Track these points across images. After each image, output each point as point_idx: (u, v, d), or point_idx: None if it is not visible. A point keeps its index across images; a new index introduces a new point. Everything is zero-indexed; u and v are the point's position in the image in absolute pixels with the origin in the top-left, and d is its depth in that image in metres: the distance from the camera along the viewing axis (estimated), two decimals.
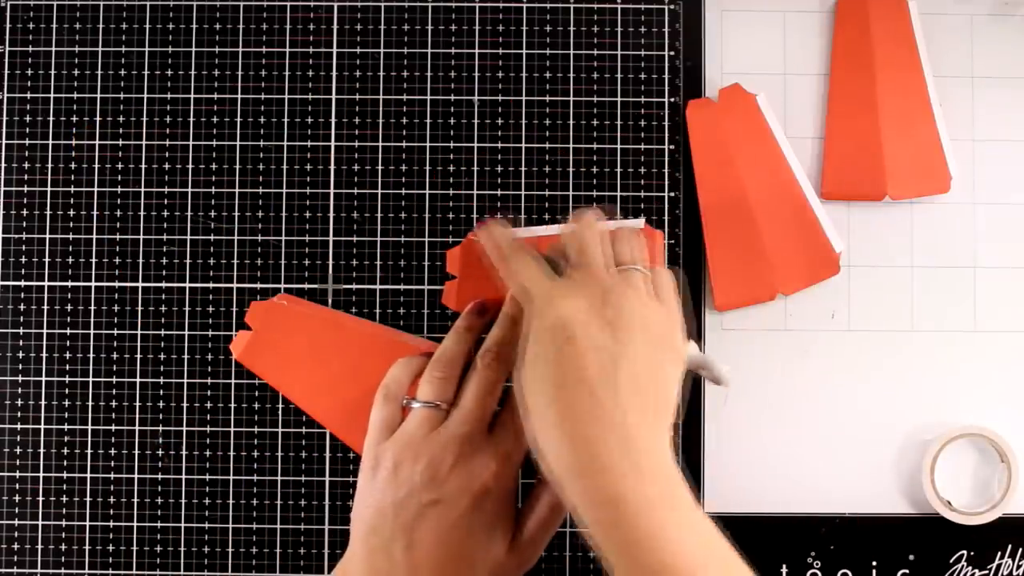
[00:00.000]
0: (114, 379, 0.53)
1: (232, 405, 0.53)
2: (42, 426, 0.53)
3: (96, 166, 0.54)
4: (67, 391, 0.53)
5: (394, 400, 0.47)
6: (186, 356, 0.53)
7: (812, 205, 0.52)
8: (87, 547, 0.52)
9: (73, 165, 0.54)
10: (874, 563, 0.52)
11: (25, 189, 0.53)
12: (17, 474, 0.53)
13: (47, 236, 0.53)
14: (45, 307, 0.53)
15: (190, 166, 0.54)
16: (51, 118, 0.54)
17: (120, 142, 0.54)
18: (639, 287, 0.44)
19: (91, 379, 0.53)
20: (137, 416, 0.53)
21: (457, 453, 0.44)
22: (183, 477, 0.53)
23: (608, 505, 0.39)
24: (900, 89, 0.52)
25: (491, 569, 0.44)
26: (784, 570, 0.52)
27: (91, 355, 0.53)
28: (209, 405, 0.53)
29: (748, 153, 0.52)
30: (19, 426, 0.53)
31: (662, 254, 0.52)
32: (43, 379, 0.53)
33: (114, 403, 0.53)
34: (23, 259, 0.53)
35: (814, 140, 0.53)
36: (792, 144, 0.53)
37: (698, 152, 0.53)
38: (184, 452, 0.53)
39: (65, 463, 0.53)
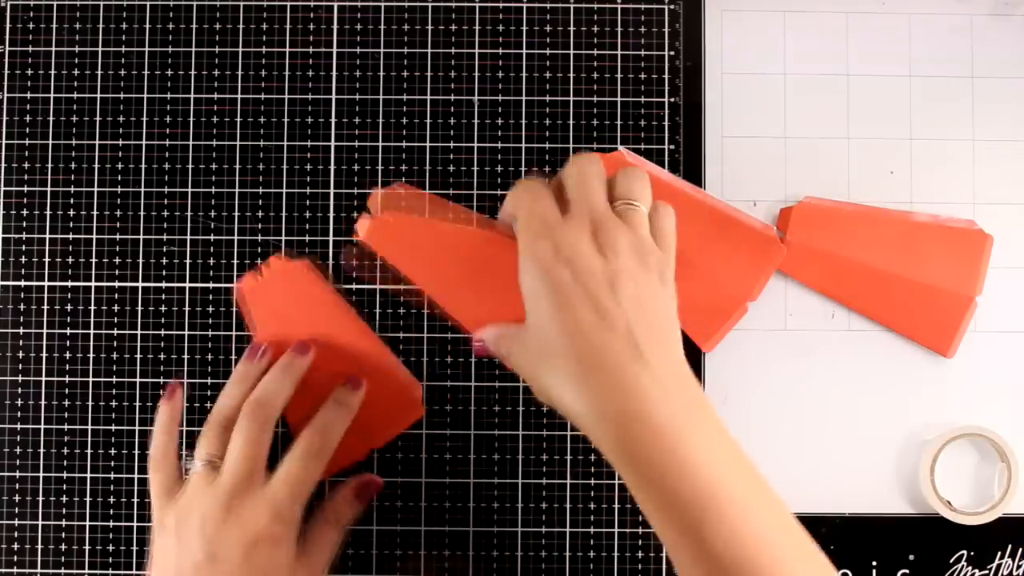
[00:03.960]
0: (114, 379, 0.53)
1: None
2: (42, 426, 0.53)
3: (96, 166, 0.54)
4: (67, 391, 0.53)
5: (165, 462, 0.49)
6: (186, 356, 0.53)
7: None
8: (87, 547, 0.52)
9: (73, 165, 0.54)
10: (874, 563, 0.52)
11: (25, 189, 0.53)
12: (17, 474, 0.53)
13: (47, 236, 0.53)
14: (45, 307, 0.53)
15: (190, 166, 0.54)
16: (51, 118, 0.54)
17: (120, 142, 0.54)
18: (636, 223, 0.43)
19: (91, 379, 0.53)
20: (137, 416, 0.53)
21: (226, 506, 0.45)
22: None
23: (627, 420, 0.38)
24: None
25: None
26: None
27: (91, 355, 0.53)
28: (209, 405, 0.53)
29: None
30: (19, 426, 0.53)
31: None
32: (43, 379, 0.53)
33: (114, 403, 0.53)
34: (23, 259, 0.53)
35: (814, 140, 0.53)
36: (793, 144, 0.53)
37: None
38: (184, 452, 0.52)
39: (65, 463, 0.53)
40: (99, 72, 0.54)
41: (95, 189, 0.53)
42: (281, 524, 0.46)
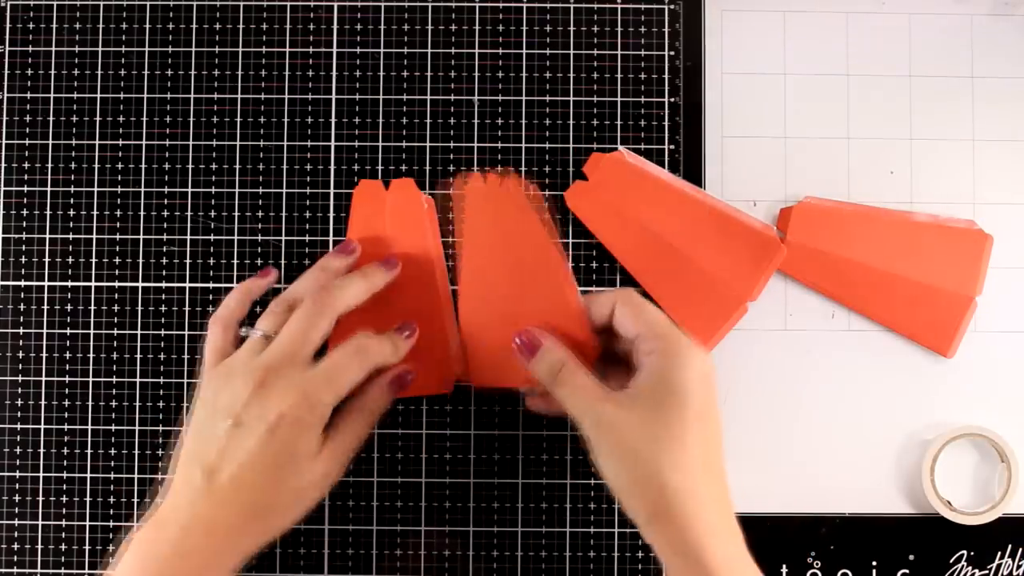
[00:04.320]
0: (114, 379, 0.53)
1: None
2: (42, 426, 0.53)
3: (96, 166, 0.54)
4: (67, 391, 0.53)
5: (224, 325, 0.48)
6: (186, 356, 0.53)
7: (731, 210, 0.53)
8: (87, 547, 0.52)
9: (73, 165, 0.54)
10: (874, 563, 0.52)
11: (25, 189, 0.54)
12: (17, 474, 0.53)
13: (47, 236, 0.53)
14: (45, 307, 0.53)
15: (190, 166, 0.54)
16: (51, 118, 0.54)
17: (120, 142, 0.54)
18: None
19: (91, 379, 0.53)
20: (137, 416, 0.53)
21: (260, 380, 0.45)
22: None
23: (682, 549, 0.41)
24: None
25: (296, 495, 0.45)
26: (784, 570, 0.52)
27: (91, 355, 0.53)
28: None
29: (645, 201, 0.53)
30: (19, 426, 0.53)
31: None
32: (43, 379, 0.53)
33: (114, 403, 0.53)
34: (23, 259, 0.53)
35: (814, 140, 0.54)
36: (793, 144, 0.53)
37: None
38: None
39: (65, 463, 0.53)
40: (99, 72, 0.54)
41: (95, 189, 0.53)
42: (308, 409, 0.45)
